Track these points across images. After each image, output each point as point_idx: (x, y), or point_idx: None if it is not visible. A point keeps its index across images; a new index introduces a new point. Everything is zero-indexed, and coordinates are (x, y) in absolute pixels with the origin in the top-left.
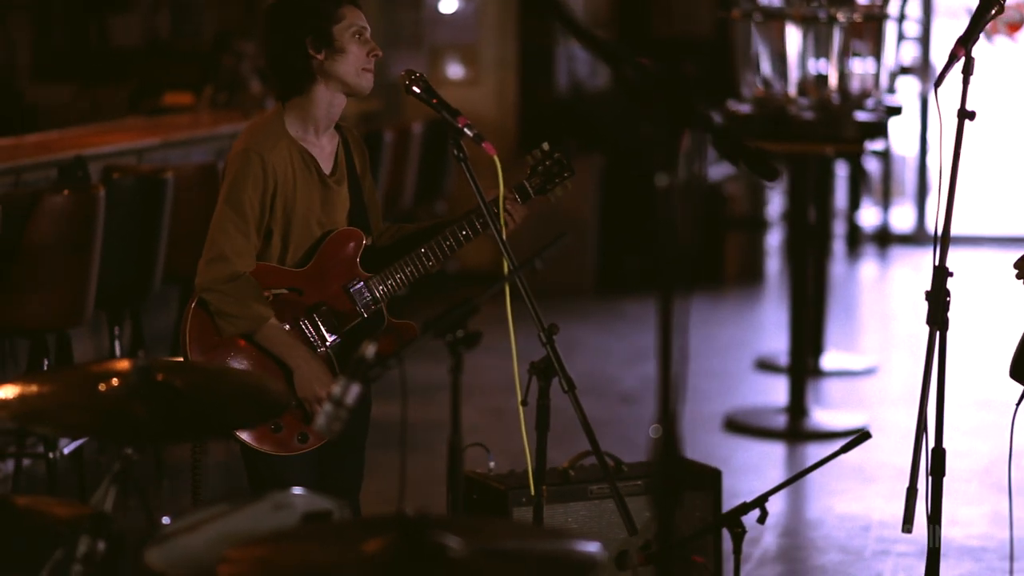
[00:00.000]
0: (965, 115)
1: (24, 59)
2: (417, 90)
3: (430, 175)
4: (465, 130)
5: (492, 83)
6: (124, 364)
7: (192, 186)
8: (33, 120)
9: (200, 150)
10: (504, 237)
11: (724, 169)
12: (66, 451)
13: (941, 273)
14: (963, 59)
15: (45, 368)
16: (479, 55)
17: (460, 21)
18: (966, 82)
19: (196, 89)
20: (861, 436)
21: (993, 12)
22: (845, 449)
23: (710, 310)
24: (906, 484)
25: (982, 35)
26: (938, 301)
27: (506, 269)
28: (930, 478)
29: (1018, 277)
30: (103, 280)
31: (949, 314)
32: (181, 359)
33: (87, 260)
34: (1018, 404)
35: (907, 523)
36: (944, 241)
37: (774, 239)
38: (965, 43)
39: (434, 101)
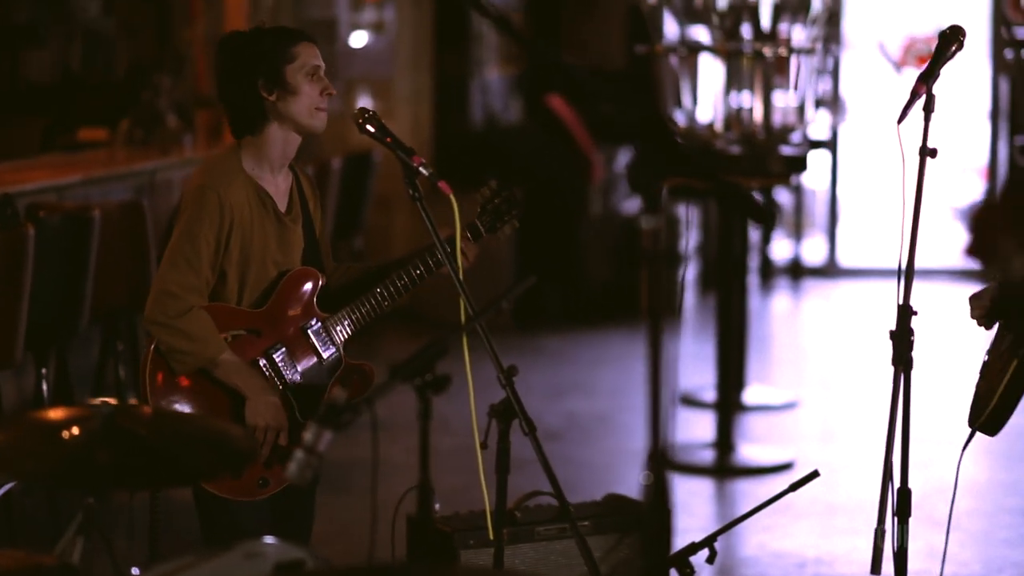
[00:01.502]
0: (927, 152)
1: None
2: (371, 129)
3: (348, 210)
4: (420, 169)
5: (407, 116)
6: (85, 411)
7: (115, 224)
8: None
9: (119, 187)
10: (460, 276)
11: (637, 203)
12: None
13: (905, 312)
14: (924, 96)
15: None
16: (393, 88)
17: (374, 55)
18: (927, 119)
19: (111, 123)
20: (810, 475)
21: (953, 49)
22: (795, 487)
23: (627, 343)
24: (835, 520)
25: (893, 67)
26: (902, 340)
27: (463, 307)
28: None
29: (972, 315)
30: (30, 320)
31: (913, 353)
32: (136, 403)
33: (18, 301)
34: (964, 447)
35: (875, 566)
36: (908, 280)
37: (689, 274)
38: (926, 80)
39: (388, 140)
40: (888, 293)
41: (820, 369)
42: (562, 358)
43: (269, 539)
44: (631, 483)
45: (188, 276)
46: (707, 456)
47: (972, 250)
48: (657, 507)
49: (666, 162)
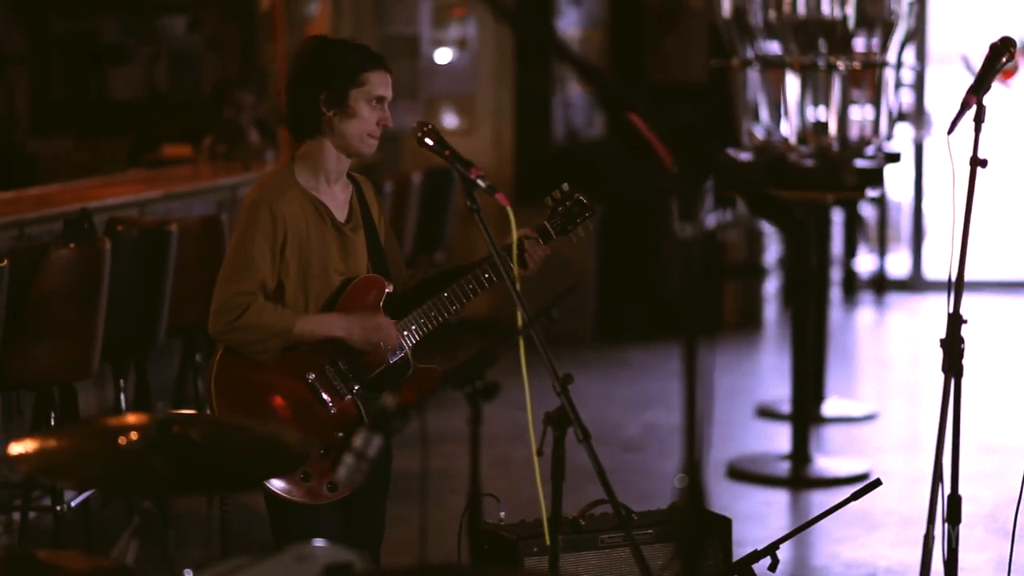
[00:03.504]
0: (977, 163)
1: (23, 111)
2: (430, 142)
3: (430, 225)
4: (478, 181)
5: (489, 132)
6: (141, 417)
7: (195, 238)
8: (33, 172)
9: (201, 202)
10: (518, 285)
11: (720, 216)
12: (73, 504)
13: (955, 320)
14: (975, 107)
15: (52, 421)
16: (475, 105)
17: (456, 71)
18: (978, 130)
19: (195, 141)
20: (872, 484)
21: (1004, 60)
22: (856, 496)
23: (709, 358)
24: (910, 531)
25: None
26: (953, 348)
27: (519, 318)
28: (946, 524)
29: None
30: (108, 333)
31: (964, 361)
32: (195, 412)
33: (94, 313)
34: None
35: (924, 572)
36: (958, 288)
37: (771, 286)
38: (977, 91)
39: (446, 153)
40: (973, 306)
41: (903, 381)
42: (644, 371)
43: (319, 542)
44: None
45: (241, 285)
46: (783, 468)
47: None
48: (692, 509)
49: (702, 171)
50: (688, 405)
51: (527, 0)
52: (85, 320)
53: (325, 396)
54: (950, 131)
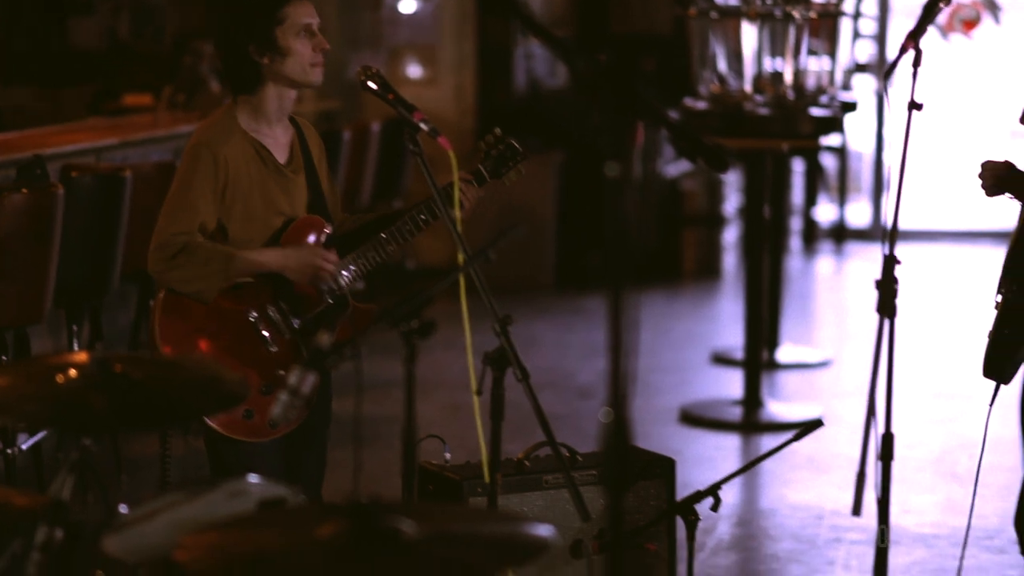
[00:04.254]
0: (914, 107)
1: None
2: (373, 86)
3: (388, 173)
4: (421, 125)
5: (451, 83)
6: (82, 356)
7: (150, 184)
8: None
9: (158, 149)
10: (459, 224)
11: (681, 166)
12: (24, 446)
13: (890, 262)
14: (912, 52)
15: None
16: (438, 55)
17: (419, 21)
18: (915, 75)
19: (156, 90)
20: (813, 424)
21: (941, 5)
22: (797, 437)
23: (667, 305)
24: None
25: (939, 32)
26: (887, 289)
27: (460, 259)
28: (879, 462)
29: (983, 186)
30: (61, 278)
31: (898, 302)
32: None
33: (46, 258)
34: (991, 403)
35: (856, 508)
36: (893, 230)
37: (731, 235)
38: (914, 37)
39: (390, 96)
40: (934, 255)
41: (859, 329)
42: (600, 319)
43: (253, 477)
44: (656, 440)
45: (179, 226)
46: (735, 413)
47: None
48: (616, 444)
49: (629, 110)
50: (614, 339)
51: None
52: (37, 265)
53: (266, 335)
54: (887, 76)
